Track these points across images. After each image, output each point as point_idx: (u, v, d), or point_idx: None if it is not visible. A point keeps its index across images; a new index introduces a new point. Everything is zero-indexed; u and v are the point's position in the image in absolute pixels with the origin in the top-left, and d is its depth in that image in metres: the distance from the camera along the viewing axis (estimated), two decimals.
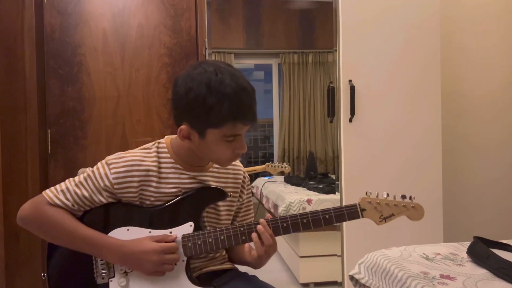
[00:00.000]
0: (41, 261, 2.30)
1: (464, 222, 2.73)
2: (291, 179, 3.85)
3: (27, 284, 2.28)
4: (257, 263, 1.26)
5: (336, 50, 2.40)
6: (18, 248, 2.26)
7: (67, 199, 1.15)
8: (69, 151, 2.41)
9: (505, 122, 2.74)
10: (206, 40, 2.57)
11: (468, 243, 1.58)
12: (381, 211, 1.21)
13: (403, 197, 1.23)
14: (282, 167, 2.74)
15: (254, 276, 1.33)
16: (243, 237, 1.18)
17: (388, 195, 1.23)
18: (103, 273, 1.16)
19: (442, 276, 1.34)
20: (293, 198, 3.13)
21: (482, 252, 1.44)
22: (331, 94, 2.45)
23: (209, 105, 1.08)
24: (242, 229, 1.18)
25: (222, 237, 1.18)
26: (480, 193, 2.74)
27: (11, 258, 2.23)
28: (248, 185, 1.37)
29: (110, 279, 1.16)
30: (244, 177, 1.34)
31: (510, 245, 1.57)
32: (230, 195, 1.27)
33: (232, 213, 1.32)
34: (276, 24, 4.12)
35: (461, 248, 1.61)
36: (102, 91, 2.45)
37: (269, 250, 1.17)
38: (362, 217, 1.21)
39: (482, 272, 1.36)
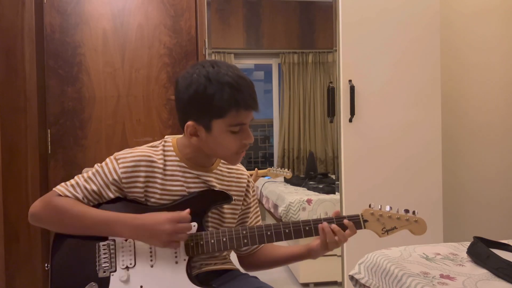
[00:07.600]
0: (41, 260, 2.30)
1: (464, 222, 2.73)
2: (291, 179, 3.85)
3: (27, 283, 2.28)
4: (312, 254, 1.26)
5: (336, 50, 2.40)
6: (18, 248, 2.26)
7: (77, 192, 1.18)
8: (69, 151, 2.42)
9: (505, 122, 2.73)
10: (206, 40, 2.57)
11: (468, 243, 1.58)
12: (383, 223, 1.23)
13: (406, 211, 1.24)
14: (284, 172, 2.75)
15: (255, 277, 1.33)
16: (245, 240, 1.19)
17: (391, 208, 1.24)
18: (105, 266, 1.16)
19: (442, 276, 1.34)
20: (293, 198, 3.13)
21: (482, 252, 1.44)
22: (331, 94, 2.45)
23: (210, 94, 1.12)
24: (244, 232, 1.19)
25: (224, 239, 1.19)
26: (480, 193, 2.74)
27: (11, 258, 2.23)
28: (253, 190, 1.37)
29: (112, 273, 1.16)
30: (248, 181, 1.35)
31: (510, 245, 1.57)
32: (235, 200, 1.28)
33: (237, 216, 1.32)
34: (276, 24, 4.12)
35: (461, 248, 1.61)
36: (102, 91, 2.45)
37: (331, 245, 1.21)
38: (364, 228, 1.23)
39: (482, 272, 1.36)
